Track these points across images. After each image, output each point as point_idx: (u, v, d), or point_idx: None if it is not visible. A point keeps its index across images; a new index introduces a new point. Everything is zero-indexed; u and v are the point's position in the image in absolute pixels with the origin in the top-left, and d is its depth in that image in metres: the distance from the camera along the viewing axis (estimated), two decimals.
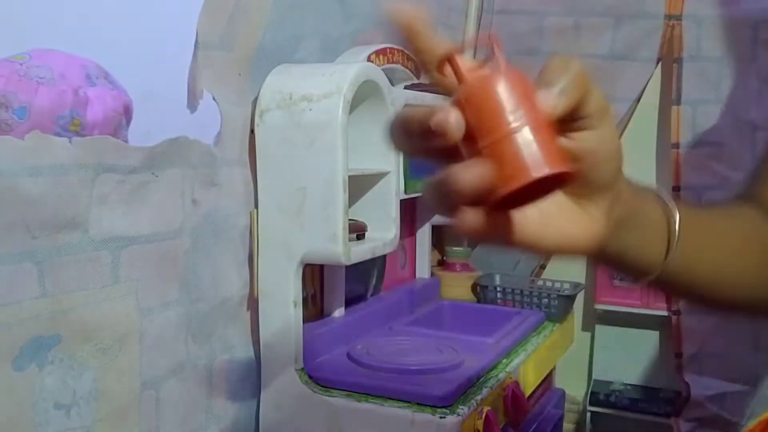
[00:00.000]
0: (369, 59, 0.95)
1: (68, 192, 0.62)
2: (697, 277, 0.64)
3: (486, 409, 0.78)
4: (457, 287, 1.29)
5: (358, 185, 0.87)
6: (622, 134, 1.33)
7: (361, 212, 0.87)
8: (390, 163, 0.86)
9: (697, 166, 1.27)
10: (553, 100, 0.40)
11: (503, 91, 0.37)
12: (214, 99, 0.77)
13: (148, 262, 0.71)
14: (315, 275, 0.94)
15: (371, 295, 1.08)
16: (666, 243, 0.58)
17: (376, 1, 1.05)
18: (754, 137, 1.24)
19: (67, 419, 0.64)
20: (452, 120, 0.38)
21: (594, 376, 1.40)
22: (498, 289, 1.30)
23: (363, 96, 0.83)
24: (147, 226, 0.71)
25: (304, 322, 0.84)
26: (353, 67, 0.79)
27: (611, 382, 1.37)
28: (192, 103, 0.76)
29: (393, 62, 1.02)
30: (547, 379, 1.06)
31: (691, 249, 0.60)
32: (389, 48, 1.01)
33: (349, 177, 0.78)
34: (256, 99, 0.82)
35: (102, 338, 0.67)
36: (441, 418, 0.75)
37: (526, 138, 0.37)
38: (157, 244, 0.72)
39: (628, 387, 1.36)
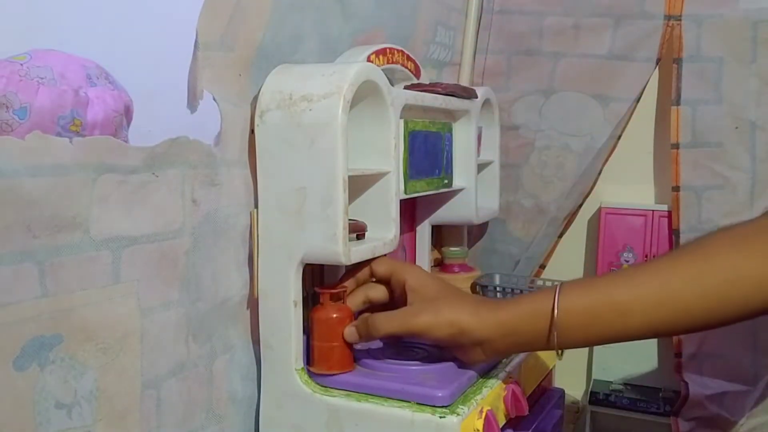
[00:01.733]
0: (369, 59, 0.96)
1: (69, 192, 0.62)
2: (602, 341, 0.74)
3: (486, 409, 0.78)
4: None
5: (358, 185, 0.87)
6: (621, 134, 1.33)
7: (360, 212, 0.87)
8: (390, 163, 0.87)
9: (697, 166, 1.27)
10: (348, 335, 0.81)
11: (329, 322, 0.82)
12: (214, 99, 0.77)
13: (148, 262, 0.71)
14: (315, 275, 0.94)
15: None
16: (549, 335, 0.74)
17: (376, 1, 1.05)
18: (754, 137, 1.24)
19: (69, 419, 0.64)
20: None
21: (594, 376, 1.40)
22: (498, 289, 1.31)
23: (363, 96, 0.83)
24: (147, 226, 0.71)
25: (304, 322, 0.84)
26: (353, 67, 0.80)
27: (611, 382, 1.37)
28: (192, 104, 0.76)
29: (393, 62, 1.02)
30: (547, 379, 1.06)
31: (579, 334, 0.75)
32: (389, 48, 1.01)
33: (349, 177, 0.79)
34: (256, 99, 0.82)
35: (103, 338, 0.67)
36: (441, 418, 0.75)
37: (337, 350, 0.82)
38: (158, 244, 0.72)
39: (628, 387, 1.36)
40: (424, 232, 1.21)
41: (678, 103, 1.27)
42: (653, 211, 1.34)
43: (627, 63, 1.32)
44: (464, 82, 1.38)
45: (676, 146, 1.28)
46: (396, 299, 0.85)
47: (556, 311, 0.73)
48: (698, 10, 1.26)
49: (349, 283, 0.86)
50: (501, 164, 1.33)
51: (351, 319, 0.83)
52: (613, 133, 1.33)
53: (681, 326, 0.74)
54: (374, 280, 0.87)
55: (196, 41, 0.75)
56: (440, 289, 0.82)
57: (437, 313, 0.77)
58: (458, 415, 0.75)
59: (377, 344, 0.92)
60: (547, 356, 1.01)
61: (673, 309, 0.72)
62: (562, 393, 1.10)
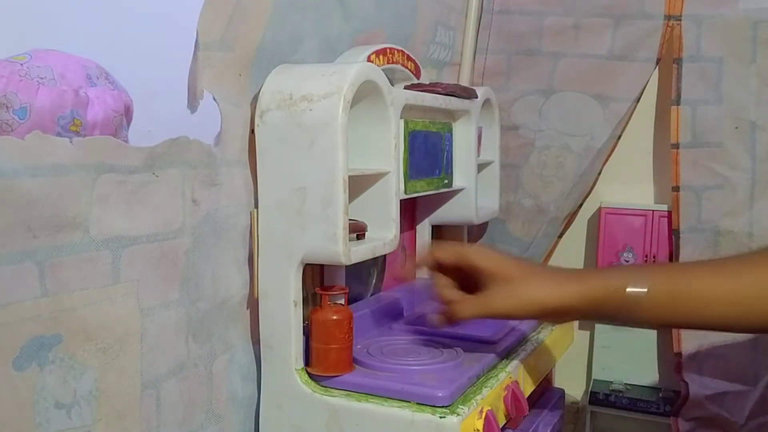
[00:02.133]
0: (369, 59, 0.96)
1: (69, 192, 0.62)
2: (690, 323, 0.79)
3: (486, 409, 0.78)
4: None
5: (358, 185, 0.87)
6: (621, 134, 1.33)
7: (361, 212, 0.87)
8: (390, 163, 0.87)
9: (697, 166, 1.27)
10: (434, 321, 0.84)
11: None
12: (214, 99, 0.77)
13: (148, 262, 0.71)
14: (315, 275, 0.94)
15: (371, 295, 1.08)
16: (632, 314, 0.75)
17: (376, 1, 1.05)
18: (754, 137, 1.24)
19: (68, 419, 0.64)
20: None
21: (593, 376, 1.40)
22: None
23: (363, 96, 0.83)
24: (147, 226, 0.71)
25: (304, 322, 0.84)
26: (353, 67, 0.80)
27: (611, 382, 1.37)
28: (192, 104, 0.76)
29: (393, 62, 1.02)
30: (547, 379, 1.06)
31: (669, 310, 0.75)
32: (389, 48, 1.01)
33: (349, 177, 0.79)
34: (256, 99, 0.82)
35: (103, 338, 0.67)
36: (441, 418, 0.75)
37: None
38: (158, 244, 0.72)
39: (628, 387, 1.36)
40: (424, 231, 1.21)
41: (678, 103, 1.27)
42: (653, 211, 1.34)
43: (627, 63, 1.32)
44: (464, 82, 1.38)
45: (676, 146, 1.28)
46: (468, 283, 0.83)
47: (644, 289, 0.75)
48: (698, 10, 1.26)
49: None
50: (501, 164, 1.33)
51: (350, 321, 0.83)
52: (613, 133, 1.33)
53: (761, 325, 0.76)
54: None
55: (196, 41, 0.75)
56: (514, 268, 0.79)
57: (515, 296, 0.77)
58: (458, 415, 0.75)
59: (377, 344, 0.92)
60: (547, 356, 1.01)
61: (758, 307, 0.74)
62: (562, 393, 1.10)
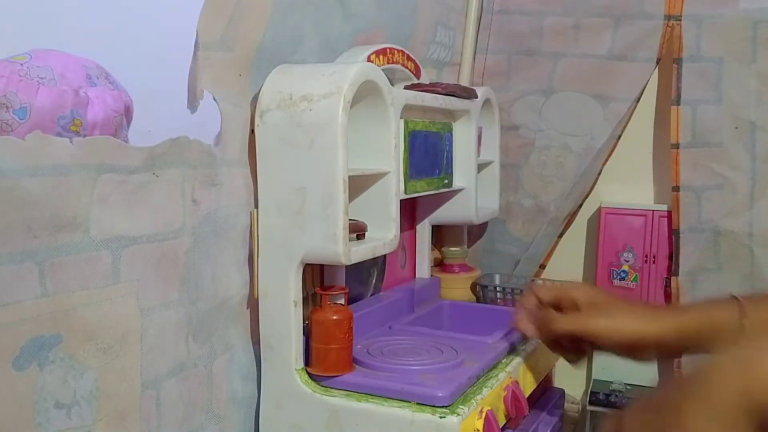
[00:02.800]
0: (369, 59, 0.96)
1: (69, 192, 0.62)
2: None
3: (486, 409, 0.78)
4: (457, 289, 1.29)
5: (358, 185, 0.87)
6: (621, 134, 1.33)
7: (360, 212, 0.87)
8: (390, 163, 0.87)
9: (697, 166, 1.27)
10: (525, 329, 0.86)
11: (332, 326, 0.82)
12: (214, 99, 0.77)
13: (148, 262, 0.71)
14: (315, 275, 0.94)
15: (371, 295, 1.08)
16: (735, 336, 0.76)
17: (376, 1, 1.05)
18: (754, 137, 1.24)
19: (68, 419, 0.64)
20: None
21: (594, 376, 1.40)
22: (498, 289, 1.31)
23: (363, 96, 0.83)
24: (147, 226, 0.71)
25: (304, 322, 0.84)
26: (353, 67, 0.80)
27: (611, 382, 1.37)
28: (192, 104, 0.76)
29: (393, 62, 1.02)
30: (547, 379, 1.06)
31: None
32: (389, 48, 1.02)
33: (349, 177, 0.79)
34: (256, 99, 0.82)
35: (103, 338, 0.67)
36: (441, 418, 0.75)
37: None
38: (158, 244, 0.72)
39: (628, 387, 1.36)
40: (424, 231, 1.21)
41: (678, 103, 1.27)
42: (653, 211, 1.34)
43: (627, 63, 1.32)
44: (464, 82, 1.38)
45: (676, 146, 1.28)
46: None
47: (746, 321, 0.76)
48: (698, 10, 1.26)
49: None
50: (501, 164, 1.33)
51: (350, 321, 0.83)
52: (613, 133, 1.33)
53: None
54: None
55: (196, 41, 0.75)
56: (613, 299, 0.82)
57: (613, 319, 0.78)
58: (458, 415, 0.75)
59: (377, 344, 0.92)
60: (547, 356, 1.01)
61: None
62: (562, 393, 1.10)
